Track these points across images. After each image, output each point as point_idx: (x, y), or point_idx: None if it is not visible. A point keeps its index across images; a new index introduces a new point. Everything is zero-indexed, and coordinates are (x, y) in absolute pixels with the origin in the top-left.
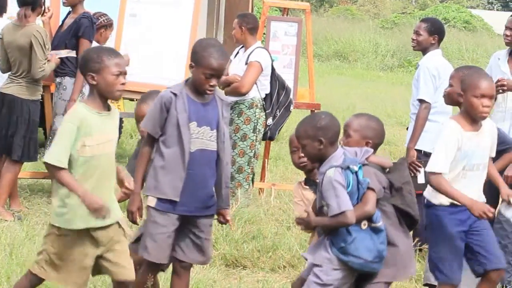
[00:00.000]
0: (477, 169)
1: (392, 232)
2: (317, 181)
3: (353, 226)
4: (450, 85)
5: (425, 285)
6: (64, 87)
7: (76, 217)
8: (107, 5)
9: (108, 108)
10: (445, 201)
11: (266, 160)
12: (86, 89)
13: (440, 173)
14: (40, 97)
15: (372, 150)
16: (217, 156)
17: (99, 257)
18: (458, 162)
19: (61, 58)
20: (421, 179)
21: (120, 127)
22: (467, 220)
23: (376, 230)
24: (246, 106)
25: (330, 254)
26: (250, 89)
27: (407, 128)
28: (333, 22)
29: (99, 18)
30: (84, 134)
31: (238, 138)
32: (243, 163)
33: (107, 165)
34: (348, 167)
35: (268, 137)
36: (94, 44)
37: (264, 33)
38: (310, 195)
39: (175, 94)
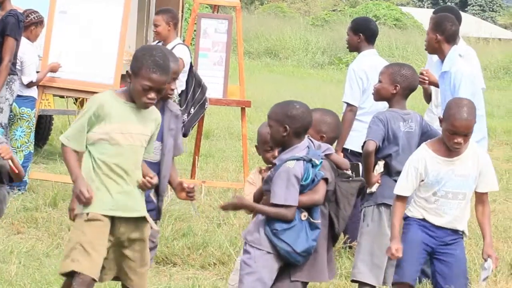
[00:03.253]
0: (454, 198)
1: (320, 235)
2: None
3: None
4: (380, 81)
5: (352, 281)
6: None
7: (101, 204)
8: (37, 2)
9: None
10: (419, 214)
11: (197, 157)
12: (16, 86)
13: (401, 196)
14: None
15: (332, 149)
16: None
17: (121, 247)
18: (429, 186)
19: None
20: None
21: (50, 124)
22: (436, 239)
23: (312, 226)
24: None
25: (261, 234)
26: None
27: None
28: (264, 19)
29: (30, 15)
30: (101, 120)
31: None
32: None
33: (130, 157)
34: (310, 160)
35: (182, 134)
36: (24, 41)
37: (194, 30)
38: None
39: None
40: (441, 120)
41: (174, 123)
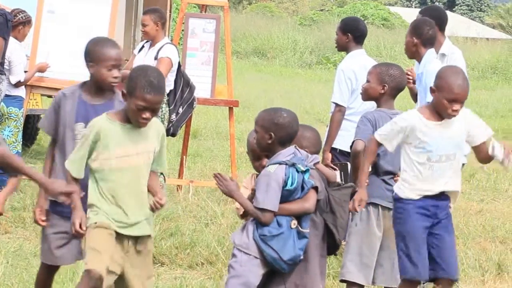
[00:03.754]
0: (446, 160)
1: (311, 244)
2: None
3: (284, 222)
4: (368, 81)
5: (341, 281)
6: None
7: (107, 219)
8: (25, 2)
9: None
10: (414, 195)
11: (184, 157)
12: (3, 86)
13: (377, 141)
14: None
15: (319, 158)
16: None
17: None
18: (420, 152)
19: None
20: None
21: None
22: (432, 216)
23: (300, 235)
24: None
25: (250, 239)
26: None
27: (327, 126)
28: (252, 19)
29: (17, 15)
30: (101, 147)
31: None
32: None
33: (134, 178)
34: (293, 165)
35: (171, 134)
36: (11, 41)
37: (182, 30)
38: None
39: (64, 95)
40: (433, 91)
41: None
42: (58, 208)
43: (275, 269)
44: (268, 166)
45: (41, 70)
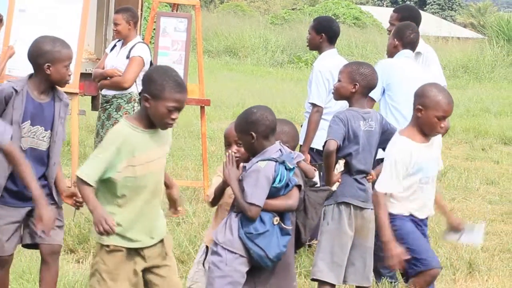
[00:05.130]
0: (432, 181)
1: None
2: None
3: (267, 218)
4: (339, 80)
5: (312, 279)
6: None
7: (124, 237)
8: None
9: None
10: (405, 211)
11: None
12: None
13: (385, 193)
14: None
15: (303, 156)
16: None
17: (148, 272)
18: (413, 176)
19: None
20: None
21: None
22: (418, 228)
23: (283, 232)
24: (125, 101)
25: (234, 236)
26: (132, 84)
27: (301, 126)
28: (224, 18)
29: None
30: (126, 155)
31: None
32: None
33: (154, 183)
34: (283, 162)
35: None
36: None
37: (153, 29)
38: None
39: (16, 91)
40: (419, 110)
41: (64, 111)
42: (9, 200)
43: (259, 267)
44: (258, 161)
45: (10, 55)
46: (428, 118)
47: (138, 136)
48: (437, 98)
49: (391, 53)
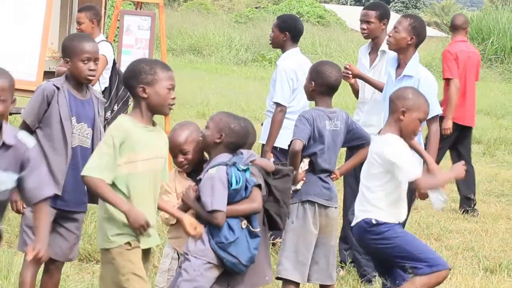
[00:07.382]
0: (405, 184)
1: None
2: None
3: (235, 224)
4: (307, 80)
5: (277, 278)
6: None
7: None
8: None
9: (153, 124)
10: (394, 219)
11: None
12: None
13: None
14: None
15: (256, 154)
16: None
17: None
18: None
19: None
20: None
21: None
22: None
23: (252, 235)
24: None
25: (207, 246)
26: (96, 82)
27: (262, 124)
28: (187, 16)
29: None
30: (128, 150)
31: None
32: None
33: (152, 183)
34: (234, 164)
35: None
36: None
37: (117, 27)
38: (182, 188)
39: (57, 88)
40: (403, 113)
41: (102, 109)
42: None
43: (233, 272)
44: (208, 170)
45: None
46: (411, 121)
47: (139, 132)
48: (419, 100)
49: (400, 47)
